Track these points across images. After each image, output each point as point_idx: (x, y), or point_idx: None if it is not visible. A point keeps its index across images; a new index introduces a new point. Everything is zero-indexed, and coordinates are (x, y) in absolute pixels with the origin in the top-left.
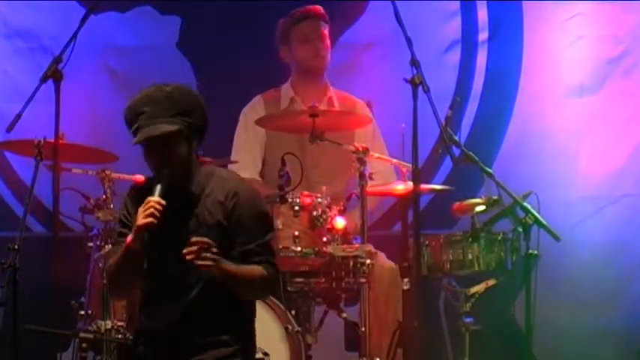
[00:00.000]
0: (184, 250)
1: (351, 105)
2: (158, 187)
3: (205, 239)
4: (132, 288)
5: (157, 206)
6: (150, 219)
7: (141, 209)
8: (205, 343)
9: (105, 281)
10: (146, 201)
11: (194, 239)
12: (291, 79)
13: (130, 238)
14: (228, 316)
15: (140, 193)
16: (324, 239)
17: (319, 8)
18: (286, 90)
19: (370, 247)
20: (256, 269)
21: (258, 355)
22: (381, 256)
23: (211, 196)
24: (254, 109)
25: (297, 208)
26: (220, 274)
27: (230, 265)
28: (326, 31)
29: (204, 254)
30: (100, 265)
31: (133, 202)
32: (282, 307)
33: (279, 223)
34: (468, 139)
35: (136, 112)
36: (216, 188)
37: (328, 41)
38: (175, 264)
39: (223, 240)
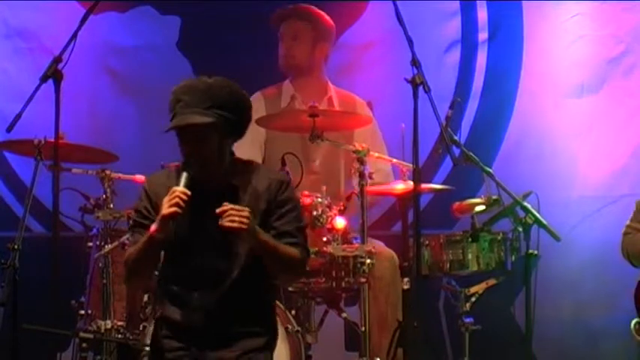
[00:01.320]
0: (217, 210)
1: (351, 104)
2: (184, 177)
3: (239, 206)
4: (149, 277)
5: (182, 196)
6: (174, 208)
7: (166, 199)
8: (238, 334)
9: (122, 271)
10: (171, 191)
11: (227, 205)
12: (290, 77)
13: (153, 227)
14: (259, 307)
15: (162, 182)
16: (325, 239)
17: (305, 7)
18: (287, 87)
19: (370, 247)
20: (291, 248)
21: None
22: (380, 245)
23: (250, 189)
24: (254, 106)
25: None
26: (256, 242)
27: (266, 235)
28: (306, 30)
29: (239, 217)
30: (100, 264)
31: (155, 192)
32: (283, 306)
33: None
34: (468, 139)
35: (175, 100)
36: (258, 180)
37: (308, 41)
38: (210, 254)
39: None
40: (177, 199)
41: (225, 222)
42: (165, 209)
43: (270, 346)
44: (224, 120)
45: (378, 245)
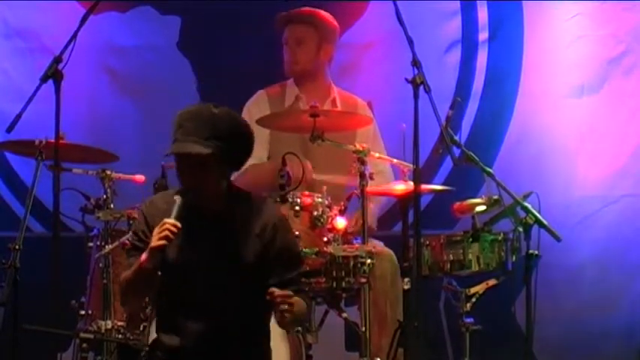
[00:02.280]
0: (276, 294)
1: (352, 105)
2: (177, 206)
3: (286, 292)
4: (143, 300)
5: (173, 229)
6: (163, 241)
7: (156, 230)
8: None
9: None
10: (162, 222)
11: (277, 293)
12: (294, 77)
13: (143, 257)
14: (253, 335)
15: (159, 206)
16: (325, 239)
17: (308, 10)
18: (291, 87)
19: (371, 247)
20: (303, 303)
21: None
22: (379, 245)
23: (246, 227)
24: (257, 105)
25: (297, 207)
26: (292, 320)
27: (297, 307)
28: (311, 34)
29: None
30: (101, 265)
31: (153, 216)
32: None
33: None
34: (468, 139)
35: (178, 125)
36: (252, 218)
37: (312, 45)
38: (204, 281)
39: (259, 269)
40: (166, 232)
41: (283, 312)
42: (154, 241)
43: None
44: (223, 151)
45: (377, 245)
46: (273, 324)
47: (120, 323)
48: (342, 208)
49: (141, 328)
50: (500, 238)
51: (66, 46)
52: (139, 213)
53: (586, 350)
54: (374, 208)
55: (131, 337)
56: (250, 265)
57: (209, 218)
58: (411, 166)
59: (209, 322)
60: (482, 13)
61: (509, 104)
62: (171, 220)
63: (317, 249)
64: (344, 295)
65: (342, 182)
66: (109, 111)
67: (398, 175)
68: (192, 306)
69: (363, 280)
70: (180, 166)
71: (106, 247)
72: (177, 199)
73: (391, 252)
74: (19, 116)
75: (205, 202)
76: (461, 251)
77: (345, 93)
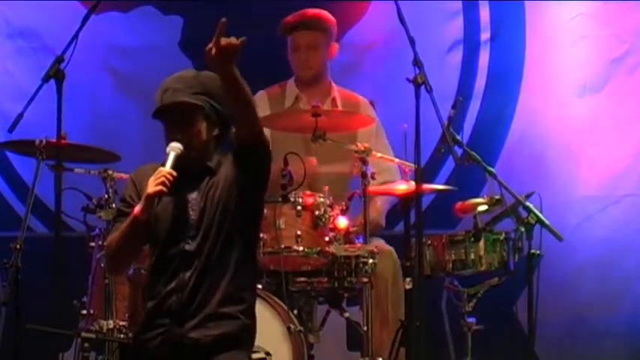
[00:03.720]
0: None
1: (354, 104)
2: (171, 157)
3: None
4: (130, 263)
5: (169, 176)
6: (160, 187)
7: (152, 179)
8: (214, 315)
9: (103, 261)
10: (157, 171)
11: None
12: (294, 77)
13: (137, 208)
14: (235, 287)
15: (147, 172)
16: (327, 239)
17: (313, 14)
18: (291, 87)
19: (372, 247)
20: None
21: (260, 354)
22: (380, 242)
23: (224, 171)
24: (258, 105)
25: (299, 207)
26: (232, 70)
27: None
28: (321, 39)
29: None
30: (102, 264)
31: (140, 181)
32: (285, 306)
33: (281, 222)
34: (470, 139)
35: (163, 90)
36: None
37: (323, 49)
38: (186, 236)
39: (242, 196)
40: (163, 179)
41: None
42: (151, 188)
43: (250, 330)
44: (211, 106)
45: (378, 243)
46: (274, 323)
47: (122, 323)
48: (344, 207)
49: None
50: (502, 237)
51: (68, 46)
52: (128, 181)
53: (588, 350)
54: (382, 205)
55: (133, 337)
56: (232, 194)
57: (191, 174)
58: (413, 165)
59: (191, 273)
60: (484, 13)
61: (512, 104)
62: (167, 169)
63: (319, 249)
64: (346, 294)
65: (346, 171)
66: (111, 111)
67: (400, 174)
68: (174, 260)
69: (365, 279)
70: (169, 124)
71: None
72: (173, 148)
73: (391, 249)
74: (20, 116)
75: (191, 161)
76: (463, 251)
77: (346, 91)
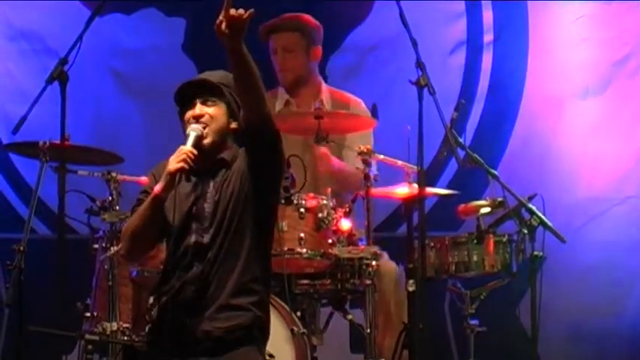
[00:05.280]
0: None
1: (344, 103)
2: (191, 138)
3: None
4: (146, 250)
5: (190, 154)
6: (182, 164)
7: (172, 157)
8: (225, 307)
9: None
10: (178, 149)
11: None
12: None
13: (158, 186)
14: (247, 280)
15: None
16: (330, 241)
17: (290, 17)
18: (282, 92)
19: (376, 249)
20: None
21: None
22: (384, 256)
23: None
24: None
25: (302, 210)
26: (240, 45)
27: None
28: (298, 41)
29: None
30: (106, 266)
31: (160, 174)
32: (288, 308)
33: (284, 225)
34: (473, 141)
35: (188, 84)
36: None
37: (301, 51)
38: (197, 228)
39: (255, 188)
40: (184, 156)
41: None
42: (172, 165)
43: (262, 323)
44: (233, 99)
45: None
46: (277, 325)
47: (125, 325)
48: (347, 210)
49: (146, 330)
50: (505, 239)
51: (71, 48)
52: (149, 175)
53: (591, 352)
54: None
55: (136, 339)
56: (245, 190)
57: (205, 169)
58: (416, 168)
59: (203, 266)
60: (487, 15)
61: (514, 106)
62: (188, 147)
63: (322, 251)
64: (349, 296)
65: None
66: (114, 112)
67: (402, 177)
68: (186, 253)
69: (368, 281)
70: (188, 104)
71: (112, 248)
72: (194, 129)
73: (393, 264)
74: (24, 118)
75: (210, 144)
76: (465, 253)
77: (337, 91)
